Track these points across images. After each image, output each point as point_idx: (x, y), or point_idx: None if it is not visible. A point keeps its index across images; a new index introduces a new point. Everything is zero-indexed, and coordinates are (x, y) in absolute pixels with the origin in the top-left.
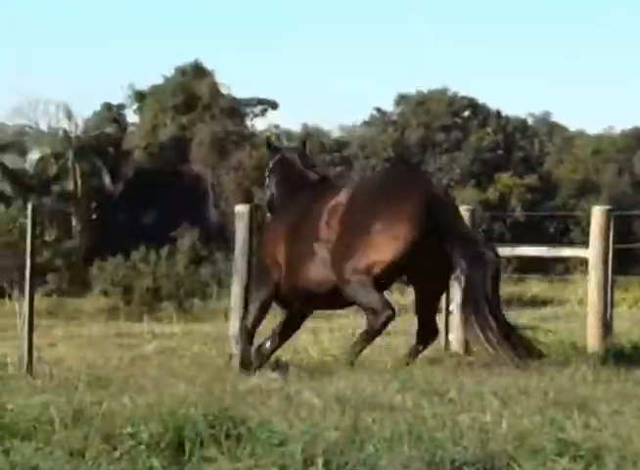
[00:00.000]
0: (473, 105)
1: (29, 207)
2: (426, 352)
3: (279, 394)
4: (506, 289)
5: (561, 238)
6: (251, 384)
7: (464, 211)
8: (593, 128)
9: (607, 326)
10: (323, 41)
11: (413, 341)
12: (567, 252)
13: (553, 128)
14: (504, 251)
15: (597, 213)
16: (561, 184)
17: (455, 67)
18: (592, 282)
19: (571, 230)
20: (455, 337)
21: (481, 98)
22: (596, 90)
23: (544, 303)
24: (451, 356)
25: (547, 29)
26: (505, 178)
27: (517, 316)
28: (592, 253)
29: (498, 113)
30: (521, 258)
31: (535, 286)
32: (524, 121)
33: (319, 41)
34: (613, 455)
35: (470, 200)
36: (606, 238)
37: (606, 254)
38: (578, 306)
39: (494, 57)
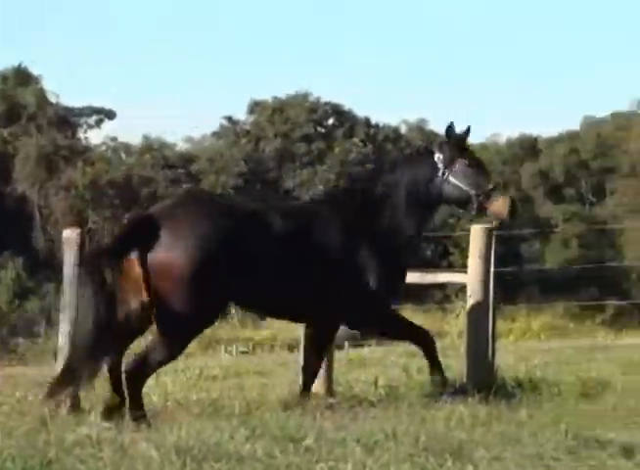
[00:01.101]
0: (338, 112)
1: None
2: (281, 393)
3: (112, 444)
4: None
5: (440, 261)
6: (79, 434)
7: None
8: (476, 137)
9: (487, 361)
10: (166, 41)
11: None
12: (443, 277)
13: (429, 138)
14: (412, 277)
15: (476, 233)
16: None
17: (316, 70)
18: (470, 311)
19: (450, 253)
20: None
21: (348, 104)
22: (477, 95)
23: None
24: (310, 398)
25: (419, 28)
26: None
27: (384, 352)
28: (471, 277)
29: (367, 120)
30: None
31: (409, 316)
32: (396, 130)
33: (161, 41)
34: None
35: None
36: (486, 260)
37: (486, 278)
38: (458, 339)
39: (362, 59)
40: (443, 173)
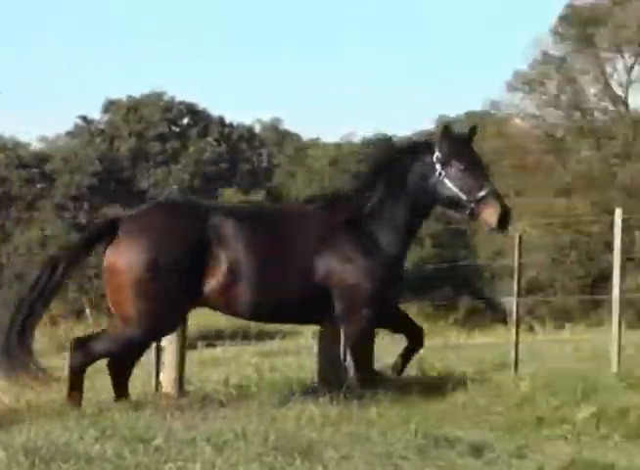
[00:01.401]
0: (192, 111)
1: None
2: (131, 394)
3: None
4: (232, 321)
5: None
6: None
7: None
8: (330, 136)
9: (339, 361)
10: (18, 42)
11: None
12: None
13: (284, 137)
14: None
15: None
16: (293, 200)
17: (171, 69)
18: None
19: None
20: (166, 376)
21: (202, 103)
22: (330, 94)
23: (270, 335)
24: (161, 398)
25: (271, 29)
26: (229, 193)
27: (237, 351)
28: None
29: (221, 120)
30: None
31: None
32: (250, 129)
33: (12, 42)
34: None
35: None
36: None
37: None
38: (312, 339)
39: (216, 58)
40: (440, 174)
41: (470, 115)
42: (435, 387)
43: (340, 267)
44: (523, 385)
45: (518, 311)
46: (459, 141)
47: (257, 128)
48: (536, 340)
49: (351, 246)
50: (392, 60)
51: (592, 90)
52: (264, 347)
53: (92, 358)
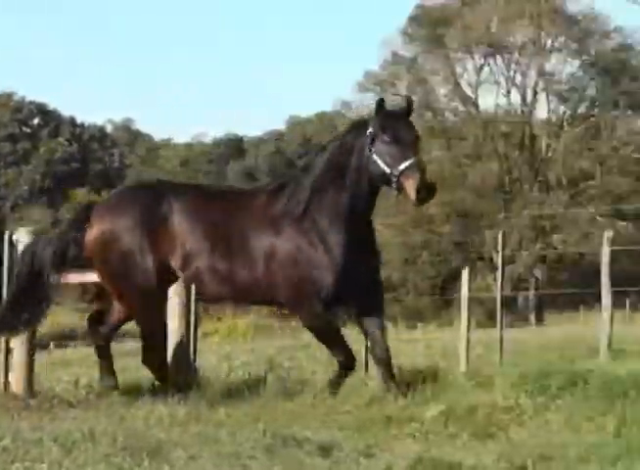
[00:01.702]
0: (43, 111)
1: None
2: None
3: None
4: (84, 320)
5: None
6: None
7: (25, 233)
8: (181, 136)
9: (189, 361)
10: None
11: None
12: None
13: (136, 137)
14: (72, 277)
15: None
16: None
17: (21, 69)
18: (172, 311)
19: None
20: (15, 377)
21: (53, 103)
22: (183, 94)
23: (125, 335)
24: (9, 399)
25: (121, 31)
26: (81, 194)
27: (88, 352)
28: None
29: (72, 120)
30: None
31: (79, 317)
32: (102, 129)
33: None
34: None
35: (40, 219)
36: None
37: None
38: None
39: (67, 58)
40: (370, 150)
41: (320, 115)
42: (285, 386)
43: (282, 254)
44: (372, 384)
45: None
46: (390, 115)
47: (109, 128)
48: (388, 339)
49: (292, 232)
50: (242, 61)
51: (442, 90)
52: (117, 347)
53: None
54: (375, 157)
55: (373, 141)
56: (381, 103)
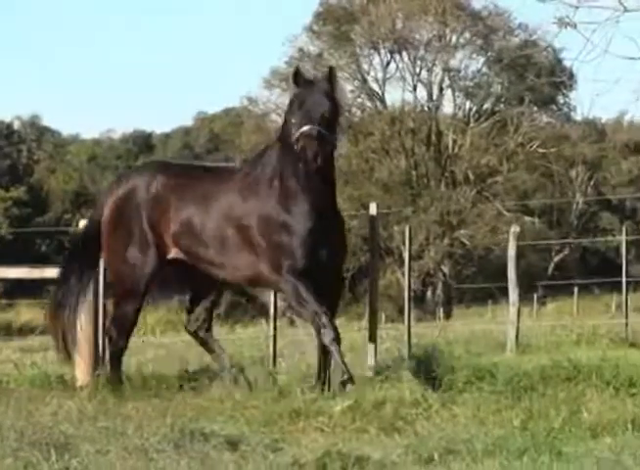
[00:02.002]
0: None
1: None
2: None
3: None
4: None
5: (56, 257)
6: None
7: None
8: (89, 132)
9: (98, 356)
10: None
11: None
12: (50, 272)
13: (43, 133)
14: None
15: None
16: (53, 197)
17: None
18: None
19: (67, 248)
20: None
21: None
22: (90, 91)
23: (33, 331)
24: None
25: (28, 26)
26: None
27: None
28: None
29: None
30: (9, 282)
31: (26, 312)
32: (9, 126)
33: None
34: None
35: None
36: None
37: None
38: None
39: None
40: (290, 115)
41: (228, 111)
42: (193, 381)
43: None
44: (280, 379)
45: (276, 306)
46: (304, 84)
47: (16, 125)
48: (298, 334)
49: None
50: (152, 58)
51: (349, 87)
52: (26, 342)
53: None
54: (288, 125)
55: (291, 107)
56: (296, 71)
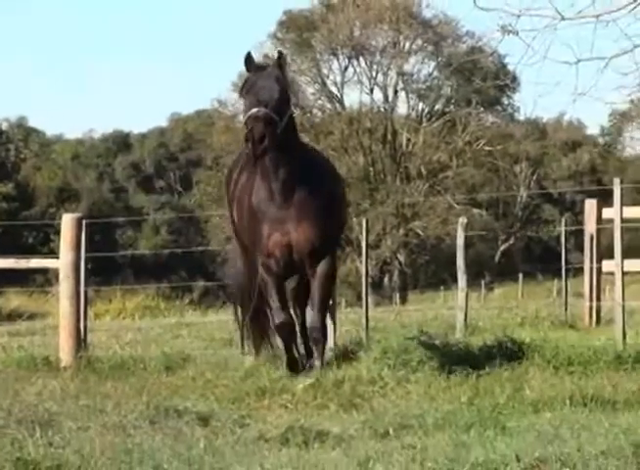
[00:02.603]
0: None
1: None
2: None
3: None
4: None
5: (41, 248)
6: None
7: None
8: (72, 133)
9: (80, 339)
10: None
11: None
12: (35, 262)
13: (29, 134)
14: None
15: (67, 222)
16: (39, 192)
17: None
18: (63, 293)
19: (52, 240)
20: None
21: None
22: (73, 93)
23: (20, 316)
24: None
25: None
26: None
27: None
28: (63, 263)
29: None
30: None
31: (14, 299)
32: None
33: None
34: None
35: None
36: (76, 247)
37: (77, 263)
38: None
39: None
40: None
41: (200, 112)
42: (168, 362)
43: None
44: (247, 359)
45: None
46: (255, 69)
47: (4, 126)
48: None
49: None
50: (130, 63)
51: (310, 90)
52: (14, 327)
53: None
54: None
55: (242, 91)
56: (247, 58)
